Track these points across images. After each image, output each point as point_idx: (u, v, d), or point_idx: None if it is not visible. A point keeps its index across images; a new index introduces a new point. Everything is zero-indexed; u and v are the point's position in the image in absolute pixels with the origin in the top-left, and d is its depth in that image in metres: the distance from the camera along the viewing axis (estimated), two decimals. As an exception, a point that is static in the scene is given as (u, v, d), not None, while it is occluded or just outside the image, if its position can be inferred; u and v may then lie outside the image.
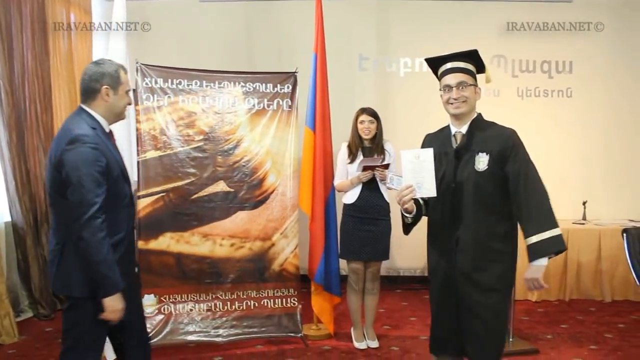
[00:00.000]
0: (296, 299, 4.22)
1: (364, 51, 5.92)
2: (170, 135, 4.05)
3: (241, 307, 4.13)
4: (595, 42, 5.87)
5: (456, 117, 2.51)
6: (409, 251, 5.74)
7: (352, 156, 3.99)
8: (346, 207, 4.01)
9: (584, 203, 5.66)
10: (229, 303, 4.11)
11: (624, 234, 3.44)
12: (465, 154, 2.44)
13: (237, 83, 4.19)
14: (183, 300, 4.05)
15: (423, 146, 2.58)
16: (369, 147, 4.02)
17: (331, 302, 4.23)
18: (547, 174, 5.71)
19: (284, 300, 4.21)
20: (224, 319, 4.09)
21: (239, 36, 5.91)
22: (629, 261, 3.34)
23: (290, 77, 4.29)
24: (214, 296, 4.09)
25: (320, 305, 4.19)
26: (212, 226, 4.09)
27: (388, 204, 3.96)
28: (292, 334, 4.16)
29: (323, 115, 4.17)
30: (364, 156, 3.97)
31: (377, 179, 3.86)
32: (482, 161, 2.38)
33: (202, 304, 4.07)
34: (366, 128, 3.96)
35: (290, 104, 4.27)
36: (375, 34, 5.91)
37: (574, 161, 5.89)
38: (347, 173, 4.00)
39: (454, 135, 2.53)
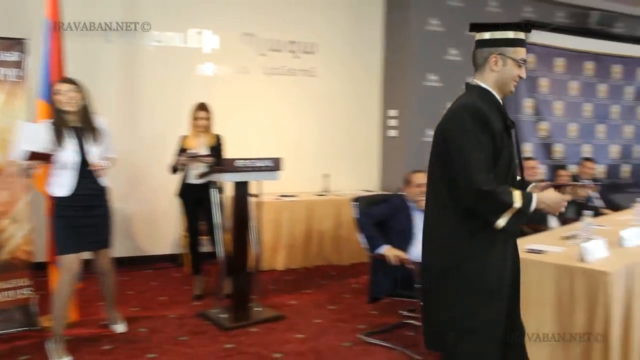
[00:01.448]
0: (31, 289, 3.96)
1: (109, 20, 5.66)
2: None
3: (-38, 304, 3.73)
4: (337, 25, 6.53)
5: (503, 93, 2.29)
6: (157, 231, 5.79)
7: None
8: (58, 199, 3.53)
9: (326, 176, 6.30)
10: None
11: (354, 202, 3.95)
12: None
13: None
14: None
15: (481, 121, 2.13)
16: (74, 125, 3.56)
17: (72, 288, 4.05)
18: (292, 149, 6.27)
19: (15, 291, 3.91)
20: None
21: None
22: (358, 226, 3.85)
23: (18, 44, 3.93)
24: None
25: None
26: None
27: (104, 188, 3.66)
28: (27, 328, 3.90)
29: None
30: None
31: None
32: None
33: None
34: (64, 97, 3.48)
35: (19, 74, 3.92)
36: (120, 2, 5.68)
37: (317, 137, 6.51)
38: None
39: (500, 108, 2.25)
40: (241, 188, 4.17)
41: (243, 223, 4.22)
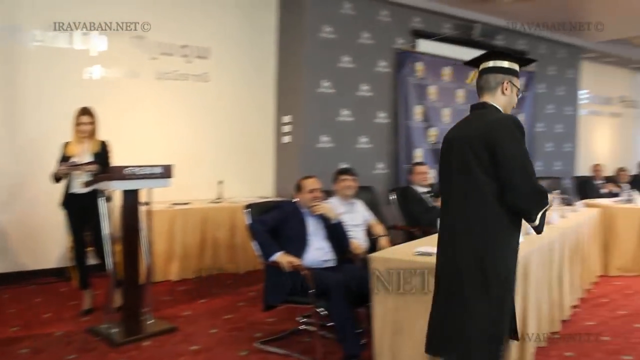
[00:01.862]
0: None
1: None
2: None
3: None
4: (231, 30, 6.52)
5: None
6: (41, 244, 5.51)
7: None
8: None
9: (220, 182, 6.26)
10: None
11: (247, 209, 3.96)
12: None
13: None
14: None
15: (522, 133, 2.41)
16: None
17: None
18: (185, 155, 6.19)
19: None
20: None
21: None
22: (251, 233, 3.86)
23: None
24: None
25: None
26: None
27: None
28: None
29: None
30: None
31: None
32: None
33: None
34: None
35: None
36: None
37: (211, 143, 6.45)
38: None
39: None
40: (130, 196, 4.06)
41: (133, 233, 4.10)
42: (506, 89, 2.55)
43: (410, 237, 4.83)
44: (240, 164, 6.67)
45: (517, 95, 2.60)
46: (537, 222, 2.44)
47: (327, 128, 6.70)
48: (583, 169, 9.91)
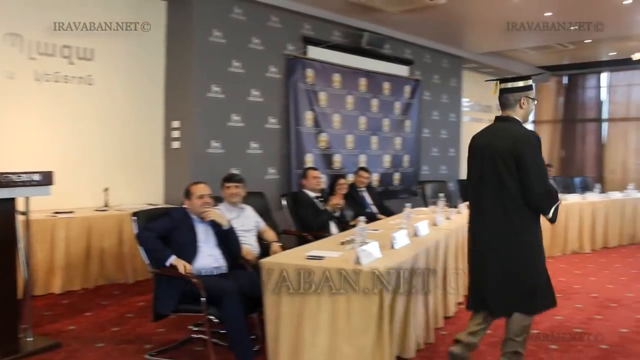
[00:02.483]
0: None
1: None
2: None
3: None
4: (116, 31, 6.31)
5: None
6: None
7: None
8: None
9: (106, 190, 6.06)
10: None
11: (134, 217, 3.88)
12: None
13: None
14: None
15: (540, 145, 3.25)
16: None
17: None
18: (68, 162, 5.93)
19: None
20: None
21: None
22: (139, 241, 3.78)
23: None
24: None
25: None
26: None
27: None
28: None
29: None
30: None
31: None
32: None
33: None
34: None
35: None
36: None
37: (94, 148, 6.22)
38: None
39: None
40: (5, 205, 3.84)
41: (9, 244, 3.88)
42: (523, 104, 3.34)
43: (302, 241, 4.93)
44: (127, 170, 6.48)
45: (534, 103, 3.41)
46: (550, 215, 3.23)
47: (218, 133, 6.68)
48: (466, 173, 10.51)
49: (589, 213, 8.37)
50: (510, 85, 3.37)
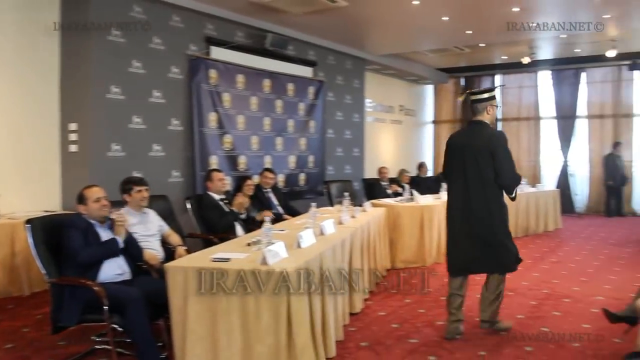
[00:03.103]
0: None
1: None
2: None
3: None
4: (6, 29, 6.00)
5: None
6: None
7: None
8: None
9: (-4, 197, 5.74)
10: None
11: (27, 225, 3.70)
12: None
13: None
14: None
15: (507, 141, 4.29)
16: None
17: None
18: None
19: None
20: None
21: None
22: (33, 251, 3.61)
23: None
24: None
25: None
26: None
27: None
28: None
29: None
30: None
31: None
32: None
33: None
34: None
35: None
36: None
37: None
38: None
39: None
40: None
41: None
42: (489, 111, 4.34)
43: (208, 244, 4.90)
44: (20, 175, 6.15)
45: (496, 109, 4.45)
46: (513, 195, 4.37)
47: (118, 136, 6.49)
48: (370, 172, 10.82)
49: (485, 208, 8.78)
50: (478, 97, 4.37)
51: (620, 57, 11.30)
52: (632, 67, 11.98)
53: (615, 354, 3.91)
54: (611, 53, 10.63)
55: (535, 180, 12.67)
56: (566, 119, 13.09)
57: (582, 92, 13.02)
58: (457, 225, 4.35)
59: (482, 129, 4.29)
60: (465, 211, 4.30)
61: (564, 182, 12.91)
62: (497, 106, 4.44)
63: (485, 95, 4.34)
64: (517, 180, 4.30)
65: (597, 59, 11.93)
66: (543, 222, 10.13)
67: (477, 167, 4.20)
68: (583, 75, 12.96)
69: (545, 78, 13.47)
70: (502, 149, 4.18)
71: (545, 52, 11.66)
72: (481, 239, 4.26)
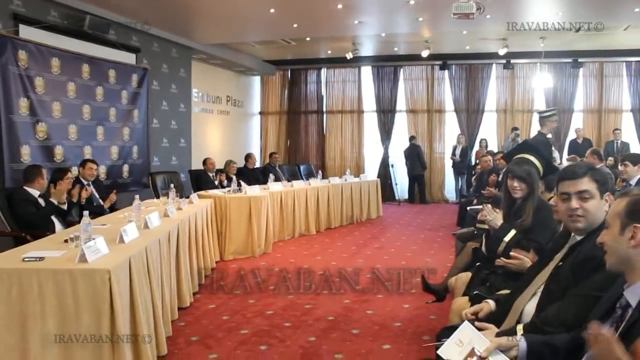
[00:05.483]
0: None
1: None
2: None
3: None
4: None
5: None
6: None
7: None
8: None
9: None
10: None
11: None
12: None
13: None
14: None
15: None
16: None
17: None
18: None
19: None
20: None
21: None
22: None
23: None
24: None
25: None
26: None
27: None
28: None
29: None
30: None
31: None
32: None
33: None
34: None
35: None
36: None
37: None
38: None
39: None
40: None
41: None
42: (546, 125, 6.93)
43: (21, 242, 4.52)
44: None
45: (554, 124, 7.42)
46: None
47: None
48: (197, 163, 10.67)
49: (313, 198, 9.19)
50: (540, 115, 7.07)
51: (433, 57, 12.45)
52: (443, 67, 13.38)
53: (431, 329, 4.29)
54: (425, 53, 11.58)
55: (358, 170, 13.50)
56: (386, 112, 14.00)
57: (400, 88, 14.01)
58: None
59: (537, 137, 6.84)
60: None
61: (384, 173, 13.80)
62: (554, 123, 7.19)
63: (545, 114, 6.98)
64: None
65: (414, 58, 12.93)
66: (366, 210, 10.80)
67: None
68: (401, 72, 13.95)
69: (367, 73, 14.28)
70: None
71: (367, 49, 12.38)
72: None
